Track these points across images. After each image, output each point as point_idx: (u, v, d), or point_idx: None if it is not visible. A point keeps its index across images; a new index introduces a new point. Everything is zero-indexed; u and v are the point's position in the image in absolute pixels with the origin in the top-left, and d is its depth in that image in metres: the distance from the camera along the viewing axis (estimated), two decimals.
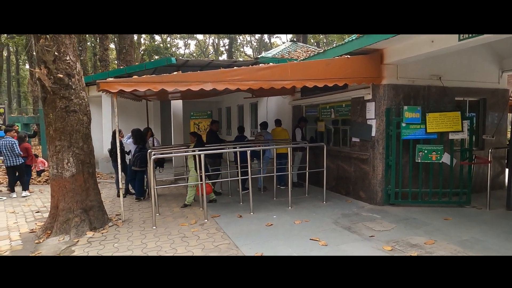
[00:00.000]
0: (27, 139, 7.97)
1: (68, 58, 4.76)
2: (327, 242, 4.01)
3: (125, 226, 4.94)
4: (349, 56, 5.11)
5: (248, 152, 5.37)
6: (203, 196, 5.23)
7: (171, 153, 6.23)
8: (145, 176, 6.61)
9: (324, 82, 4.95)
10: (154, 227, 4.81)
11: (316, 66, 5.08)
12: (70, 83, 4.76)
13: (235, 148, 6.26)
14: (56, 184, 4.81)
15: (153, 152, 5.54)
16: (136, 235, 4.53)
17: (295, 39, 17.14)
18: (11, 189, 7.17)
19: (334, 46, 6.41)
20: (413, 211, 5.24)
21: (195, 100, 10.64)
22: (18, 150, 6.88)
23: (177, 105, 8.60)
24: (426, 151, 5.19)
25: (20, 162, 6.96)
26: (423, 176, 5.39)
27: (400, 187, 5.40)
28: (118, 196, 6.89)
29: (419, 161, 5.25)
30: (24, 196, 6.95)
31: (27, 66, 36.89)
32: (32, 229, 4.90)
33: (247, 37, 41.94)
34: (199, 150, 5.95)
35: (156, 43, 36.47)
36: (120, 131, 6.97)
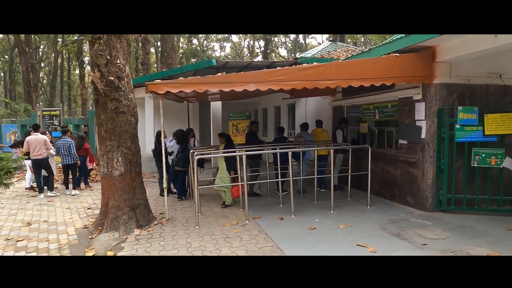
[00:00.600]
0: (87, 139, 8.51)
1: (118, 61, 4.98)
2: (376, 249, 3.83)
3: (169, 224, 5.07)
4: (397, 54, 4.87)
5: (290, 154, 5.29)
6: (243, 196, 5.24)
7: (211, 153, 6.30)
8: (186, 176, 6.76)
9: (370, 81, 4.75)
10: (197, 227, 4.88)
11: (362, 65, 4.89)
12: (120, 85, 4.97)
13: (275, 149, 6.23)
14: (106, 182, 5.05)
15: (195, 152, 5.66)
16: (180, 234, 4.62)
17: (331, 39, 16.76)
18: (66, 186, 7.67)
19: (380, 44, 6.15)
20: (469, 219, 4.87)
21: (232, 102, 10.75)
22: (74, 151, 7.37)
23: (216, 106, 8.72)
24: (483, 155, 4.81)
25: (74, 162, 7.43)
26: (479, 181, 5.00)
27: (453, 192, 5.04)
28: (161, 195, 7.13)
29: (476, 165, 4.87)
30: (74, 195, 7.38)
31: (77, 71, 39.49)
32: (85, 225, 5.18)
33: (282, 38, 41.86)
34: (239, 151, 6.01)
35: (193, 46, 37.57)
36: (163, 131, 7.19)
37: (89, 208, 6.24)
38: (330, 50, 10.53)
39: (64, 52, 30.40)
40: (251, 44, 42.78)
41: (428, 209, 5.17)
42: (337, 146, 6.40)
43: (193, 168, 5.23)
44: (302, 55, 10.37)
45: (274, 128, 11.83)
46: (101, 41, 4.77)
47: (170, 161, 7.11)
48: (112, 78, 4.89)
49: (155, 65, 32.46)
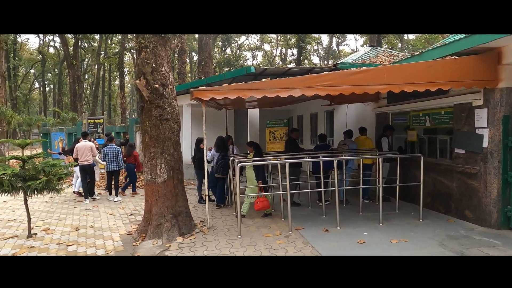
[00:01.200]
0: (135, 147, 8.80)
1: (163, 69, 5.05)
2: None
3: (211, 233, 4.98)
4: (456, 57, 4.50)
5: (335, 162, 5.04)
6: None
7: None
8: (225, 184, 6.70)
9: (425, 86, 4.42)
10: (239, 236, 4.75)
11: (414, 68, 4.58)
12: (164, 92, 5.02)
13: (317, 157, 6.00)
14: (149, 189, 5.08)
15: (236, 160, 5.57)
16: (223, 243, 4.51)
17: (370, 44, 16.27)
18: (109, 192, 7.89)
19: (432, 47, 5.76)
20: None
21: (266, 109, 10.65)
22: (121, 157, 7.61)
23: (254, 113, 8.66)
24: None
25: (119, 168, 7.64)
26: None
27: None
28: (199, 202, 7.12)
29: None
30: (116, 201, 7.56)
31: (117, 82, 41.56)
32: (129, 231, 5.23)
33: (314, 46, 41.54)
34: (280, 159, 5.84)
35: (226, 56, 38.33)
36: (202, 139, 7.22)
37: (131, 214, 6.33)
38: (371, 55, 10.16)
39: (106, 64, 32.15)
40: (283, 52, 42.83)
41: (493, 225, 4.68)
42: (384, 155, 6.05)
43: (235, 176, 5.12)
44: (343, 60, 10.08)
45: (310, 135, 11.58)
46: (148, 49, 4.86)
47: (209, 169, 7.10)
48: (157, 86, 4.95)
49: (189, 75, 33.41)
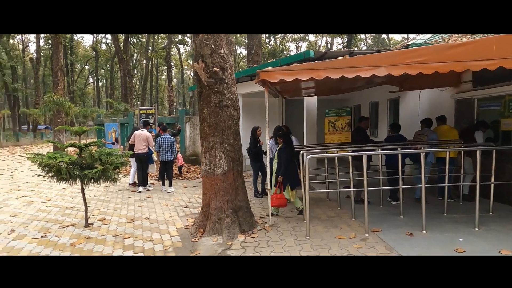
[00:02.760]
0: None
1: (222, 51, 4.59)
2: None
3: (274, 231, 4.48)
4: None
5: (422, 155, 4.26)
6: (362, 203, 4.39)
7: (326, 152, 5.53)
8: None
9: None
10: (308, 237, 4.20)
11: None
12: (223, 77, 4.57)
13: (392, 149, 5.24)
14: (208, 181, 4.69)
15: (302, 151, 4.99)
16: (291, 244, 3.98)
17: None
18: (162, 183, 7.74)
19: None
20: None
21: (321, 98, 9.88)
22: (175, 148, 7.44)
23: (311, 102, 7.97)
24: None
25: (172, 159, 7.45)
26: None
27: None
28: (255, 196, 6.68)
29: None
30: (170, 192, 7.36)
31: (163, 76, 42.82)
32: (186, 225, 4.90)
33: (361, 35, 39.39)
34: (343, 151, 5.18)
35: (269, 47, 37.75)
36: (258, 128, 6.73)
37: (186, 207, 6.04)
38: (443, 35, 8.97)
39: (153, 58, 33.12)
40: (329, 41, 41.19)
41: None
42: (471, 147, 5.12)
43: (304, 170, 4.52)
44: (413, 41, 9.00)
45: (370, 127, 10.62)
46: None
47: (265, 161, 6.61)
48: (217, 69, 4.51)
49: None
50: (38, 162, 4.52)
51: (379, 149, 5.55)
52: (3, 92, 38.08)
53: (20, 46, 39.82)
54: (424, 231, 4.24)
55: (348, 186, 6.57)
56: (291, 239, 4.17)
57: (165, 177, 7.63)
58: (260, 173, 6.77)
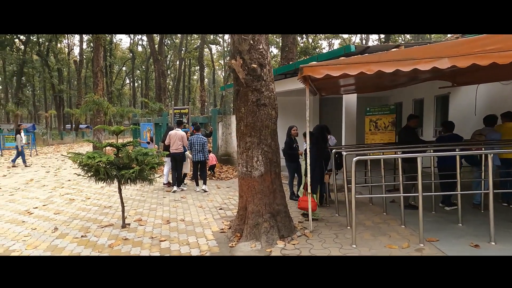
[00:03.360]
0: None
1: (261, 46, 4.36)
2: None
3: (316, 238, 4.18)
4: None
5: (490, 157, 3.75)
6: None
7: (370, 154, 5.16)
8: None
9: None
10: (354, 246, 3.86)
11: None
12: (262, 73, 4.34)
13: (443, 150, 4.75)
14: (245, 183, 4.48)
15: (343, 152, 4.64)
16: (335, 253, 3.67)
17: None
18: (196, 183, 7.67)
19: None
20: None
21: (360, 96, 9.37)
22: (207, 148, 7.35)
23: (350, 99, 7.54)
24: None
25: (204, 159, 7.35)
26: None
27: None
28: (291, 198, 6.38)
29: None
30: (204, 192, 7.26)
31: (195, 77, 43.51)
32: (222, 229, 4.73)
33: None
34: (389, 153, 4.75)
35: (301, 45, 37.13)
36: (293, 127, 6.44)
37: (221, 209, 5.88)
38: None
39: (186, 59, 33.72)
40: (364, 37, 39.81)
41: None
42: None
43: (350, 172, 4.19)
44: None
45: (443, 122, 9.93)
46: None
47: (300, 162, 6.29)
48: (255, 66, 4.28)
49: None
50: (78, 161, 4.54)
51: (431, 150, 5.06)
52: (50, 93, 40.63)
53: (66, 49, 42.29)
54: (493, 243, 3.75)
55: (391, 190, 6.13)
56: (335, 247, 3.85)
57: (199, 177, 7.55)
58: (296, 175, 6.47)
